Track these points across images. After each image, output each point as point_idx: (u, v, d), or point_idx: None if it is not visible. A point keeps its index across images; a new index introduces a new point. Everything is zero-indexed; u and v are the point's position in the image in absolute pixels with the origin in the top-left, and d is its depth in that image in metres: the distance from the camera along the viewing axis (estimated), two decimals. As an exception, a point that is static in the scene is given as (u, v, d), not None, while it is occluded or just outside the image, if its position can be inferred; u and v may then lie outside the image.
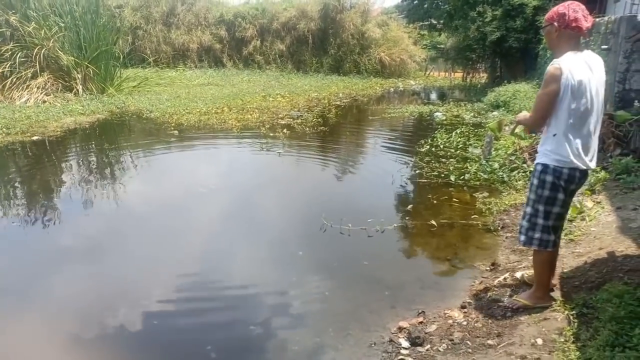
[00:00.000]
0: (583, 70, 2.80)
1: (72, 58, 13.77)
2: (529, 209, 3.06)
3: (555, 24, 2.87)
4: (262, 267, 4.33)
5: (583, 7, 2.86)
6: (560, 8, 2.87)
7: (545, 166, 2.93)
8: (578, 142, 2.86)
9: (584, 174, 2.98)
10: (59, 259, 4.47)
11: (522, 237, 3.11)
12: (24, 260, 4.44)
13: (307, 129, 10.58)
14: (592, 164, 2.97)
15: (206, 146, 9.10)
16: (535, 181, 2.99)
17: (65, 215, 5.54)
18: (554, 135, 2.89)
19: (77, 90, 13.70)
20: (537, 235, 3.02)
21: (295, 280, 4.07)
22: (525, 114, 3.22)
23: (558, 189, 2.92)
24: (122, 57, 16.19)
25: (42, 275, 4.10)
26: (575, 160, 2.87)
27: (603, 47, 7.44)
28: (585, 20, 2.82)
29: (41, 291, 3.85)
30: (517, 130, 7.25)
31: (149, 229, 5.23)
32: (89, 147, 9.06)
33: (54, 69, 13.72)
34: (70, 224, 5.37)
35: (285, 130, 10.16)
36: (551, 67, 2.81)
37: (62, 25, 14.02)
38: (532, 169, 3.14)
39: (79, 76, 13.89)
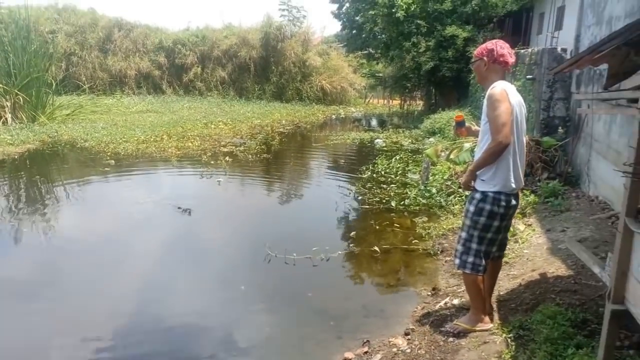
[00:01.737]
0: (516, 94, 3.03)
1: (1, 85, 13.14)
2: (464, 234, 3.15)
3: (485, 58, 3.09)
4: (202, 305, 4.16)
5: (508, 45, 3.13)
6: (488, 45, 3.12)
7: (484, 194, 3.02)
8: (518, 165, 3.04)
9: (517, 196, 3.14)
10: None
11: (457, 261, 3.21)
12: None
13: (250, 156, 10.53)
14: (518, 185, 3.12)
15: (144, 176, 8.84)
16: (472, 208, 3.07)
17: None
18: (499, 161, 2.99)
19: (6, 119, 13.04)
20: (470, 259, 3.12)
21: (237, 317, 3.93)
22: (477, 154, 3.10)
23: (495, 216, 3.02)
24: (55, 84, 15.61)
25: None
26: (514, 185, 3.01)
27: (528, 77, 7.93)
28: (510, 56, 3.10)
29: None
30: (452, 156, 7.59)
31: (83, 264, 4.94)
32: (18, 179, 8.56)
33: (-21, 97, 13.02)
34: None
35: (227, 158, 10.06)
36: (494, 90, 2.95)
37: (-11, 51, 13.40)
38: (467, 194, 3.22)
39: (8, 104, 13.25)
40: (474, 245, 3.09)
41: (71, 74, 22.07)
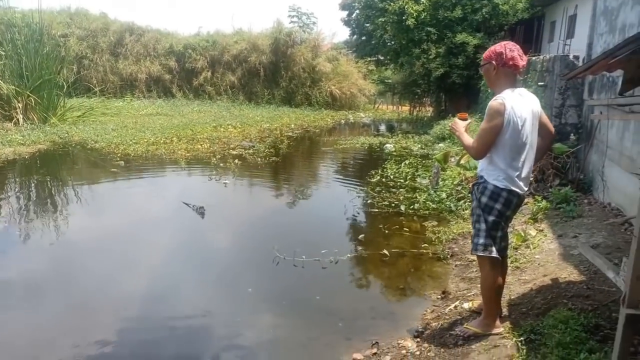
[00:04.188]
0: (522, 106, 2.93)
1: (13, 87, 13.29)
2: (482, 224, 3.06)
3: (494, 62, 2.99)
4: (208, 307, 4.12)
5: (518, 47, 3.02)
6: (497, 47, 3.01)
7: (495, 186, 2.99)
8: (514, 171, 2.97)
9: (520, 199, 3.07)
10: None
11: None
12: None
13: (259, 159, 10.55)
14: (526, 188, 3.08)
15: (153, 177, 8.88)
16: (485, 199, 3.02)
17: (3, 251, 5.20)
18: (494, 162, 2.99)
19: (18, 119, 13.18)
20: (481, 241, 3.03)
21: (244, 319, 3.87)
22: (462, 124, 3.26)
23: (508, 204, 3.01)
24: (66, 86, 15.74)
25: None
26: (510, 186, 2.97)
27: (540, 84, 7.88)
28: (521, 58, 2.98)
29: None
30: (462, 162, 7.55)
31: (89, 264, 4.94)
32: (28, 178, 8.63)
33: (-8, 98, 13.18)
34: (5, 260, 5.04)
35: (236, 161, 10.08)
36: (494, 102, 2.91)
37: (3, 53, 13.57)
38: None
39: (20, 105, 13.39)
40: (483, 227, 3.03)
41: (82, 77, 22.25)
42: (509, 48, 2.96)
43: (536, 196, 6.11)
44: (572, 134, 6.99)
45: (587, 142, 6.60)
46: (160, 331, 3.72)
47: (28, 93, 13.54)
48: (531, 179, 6.19)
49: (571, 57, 7.41)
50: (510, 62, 2.94)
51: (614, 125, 5.69)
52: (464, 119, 3.46)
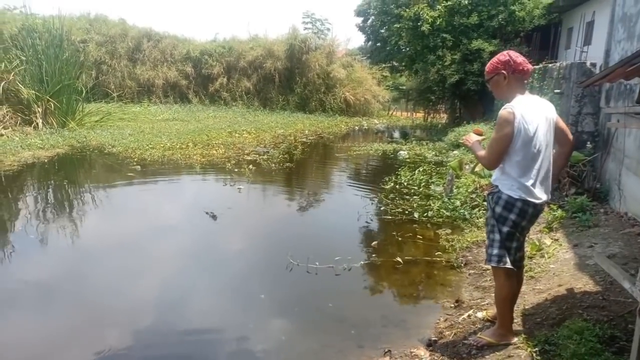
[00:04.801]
0: (534, 112, 2.89)
1: (33, 92, 13.55)
2: (496, 234, 3.02)
3: (503, 71, 2.97)
4: (221, 313, 4.16)
5: (519, 53, 3.01)
6: (501, 57, 3.00)
7: (509, 196, 2.95)
8: (527, 180, 2.92)
9: (536, 209, 3.00)
10: (8, 302, 4.23)
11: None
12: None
13: (273, 165, 10.60)
14: (544, 197, 3.00)
15: (169, 182, 8.96)
16: (499, 209, 2.98)
17: (19, 253, 5.29)
18: (507, 172, 2.97)
19: (37, 124, 13.42)
20: (495, 251, 3.00)
21: (256, 325, 3.88)
22: (476, 139, 3.25)
23: (523, 216, 2.95)
24: (85, 91, 16.02)
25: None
26: (525, 196, 2.92)
27: (556, 91, 7.82)
28: (526, 63, 2.98)
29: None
30: (477, 169, 7.51)
31: (105, 268, 5.00)
32: (47, 182, 8.78)
33: (13, 102, 13.46)
34: (24, 262, 5.12)
35: (251, 166, 10.15)
36: (504, 111, 2.88)
37: (24, 58, 13.85)
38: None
39: (39, 110, 13.65)
40: (498, 238, 3.00)
41: (101, 82, 22.61)
42: (514, 54, 2.97)
43: (552, 205, 6.06)
44: (588, 142, 6.92)
45: (604, 151, 6.53)
46: (172, 336, 3.75)
47: (48, 98, 13.80)
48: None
49: (588, 64, 7.35)
50: (520, 67, 2.94)
51: (632, 134, 5.63)
52: (480, 134, 3.45)
